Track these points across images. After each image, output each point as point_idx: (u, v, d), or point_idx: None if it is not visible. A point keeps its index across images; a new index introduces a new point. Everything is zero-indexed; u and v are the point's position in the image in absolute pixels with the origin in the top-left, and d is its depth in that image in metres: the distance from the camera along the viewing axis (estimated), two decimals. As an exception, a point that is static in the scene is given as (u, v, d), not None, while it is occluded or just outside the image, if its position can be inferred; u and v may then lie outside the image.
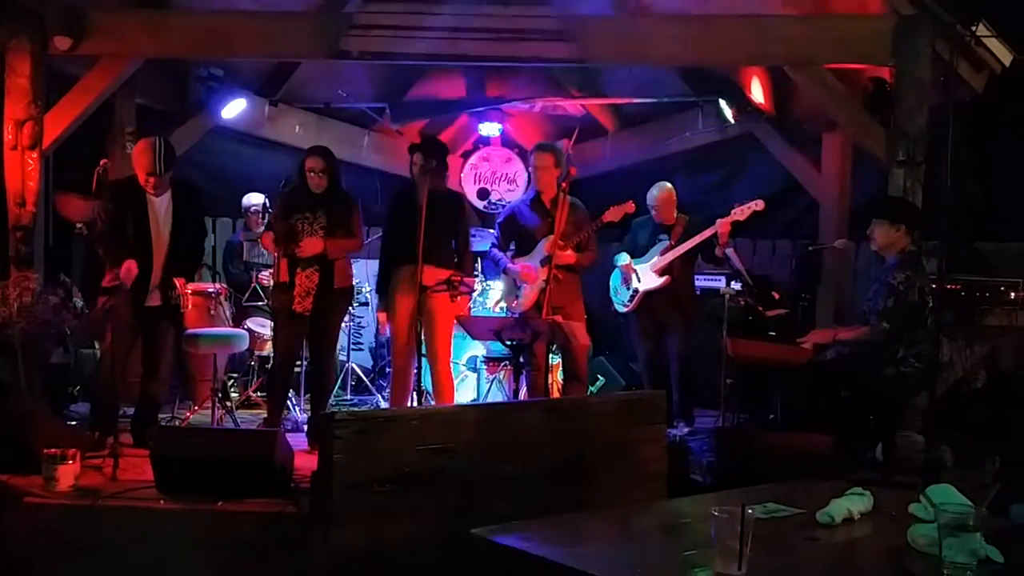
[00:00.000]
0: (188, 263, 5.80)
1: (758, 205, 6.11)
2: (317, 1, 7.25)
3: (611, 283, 6.59)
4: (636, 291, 6.38)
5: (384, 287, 5.77)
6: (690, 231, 6.34)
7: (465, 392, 6.81)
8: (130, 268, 5.32)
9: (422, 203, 5.27)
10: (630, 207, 5.91)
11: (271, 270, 6.37)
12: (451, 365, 6.06)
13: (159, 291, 5.53)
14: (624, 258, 6.42)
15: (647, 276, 6.37)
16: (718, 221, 6.13)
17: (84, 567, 4.23)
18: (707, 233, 6.18)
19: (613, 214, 5.87)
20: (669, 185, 6.56)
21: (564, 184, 5.63)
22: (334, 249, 5.69)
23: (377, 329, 7.73)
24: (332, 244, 5.68)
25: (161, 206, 5.55)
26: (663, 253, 6.37)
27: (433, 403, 5.81)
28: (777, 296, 6.75)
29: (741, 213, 6.10)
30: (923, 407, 5.45)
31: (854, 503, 2.76)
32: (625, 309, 6.49)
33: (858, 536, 2.68)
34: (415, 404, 5.60)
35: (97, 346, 6.59)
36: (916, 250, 5.40)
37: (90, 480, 4.67)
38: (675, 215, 6.51)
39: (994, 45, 6.08)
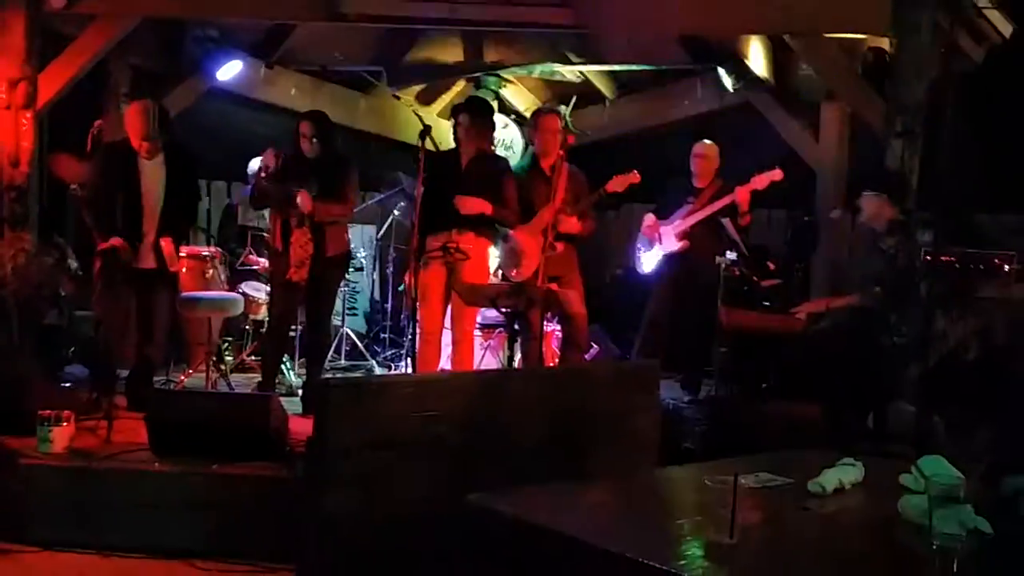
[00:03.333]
0: (181, 226, 5.78)
1: (776, 175, 6.08)
2: (314, -38, 7.15)
3: (637, 242, 6.64)
4: (657, 252, 6.41)
5: (420, 253, 5.59)
6: (717, 197, 6.31)
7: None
8: (115, 246, 5.33)
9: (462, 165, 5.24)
10: (635, 177, 5.83)
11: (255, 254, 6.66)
12: (473, 334, 6.05)
13: (153, 254, 5.52)
14: (649, 218, 6.45)
15: (668, 239, 6.40)
16: (736, 189, 6.11)
17: (78, 528, 4.25)
18: (726, 200, 6.16)
19: (617, 184, 5.79)
20: (713, 145, 6.53)
21: (562, 151, 5.59)
22: (321, 211, 5.65)
23: (391, 291, 7.71)
24: (321, 207, 5.64)
25: (153, 169, 5.53)
26: (685, 217, 6.37)
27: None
28: (772, 266, 6.74)
29: (760, 182, 6.08)
30: (915, 378, 5.48)
31: (845, 474, 2.78)
32: (647, 269, 6.54)
33: (848, 506, 2.70)
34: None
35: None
36: (905, 219, 5.41)
37: (85, 442, 4.68)
38: (712, 179, 6.47)
39: (994, 16, 6.05)
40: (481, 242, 5.64)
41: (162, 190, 5.54)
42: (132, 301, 5.58)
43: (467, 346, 5.83)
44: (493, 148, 5.99)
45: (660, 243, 6.41)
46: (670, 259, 6.42)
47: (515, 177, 5.94)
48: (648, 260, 6.55)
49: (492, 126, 5.93)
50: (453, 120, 5.78)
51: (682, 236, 6.35)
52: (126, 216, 5.47)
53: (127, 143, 5.48)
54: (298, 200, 5.55)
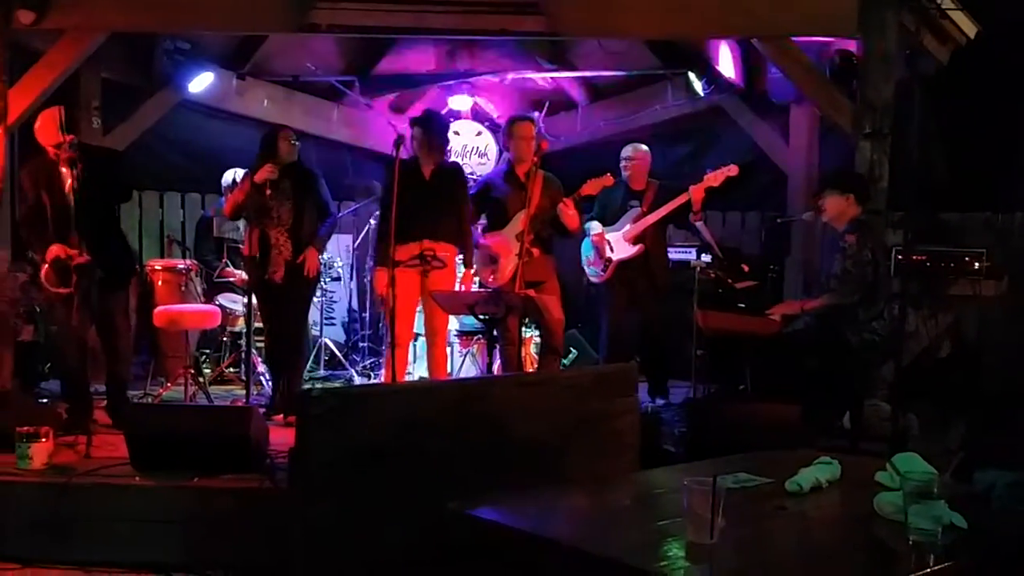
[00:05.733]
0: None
1: (731, 171, 6.10)
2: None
3: (582, 253, 6.59)
4: (610, 260, 6.37)
5: (384, 262, 5.59)
6: (662, 197, 6.32)
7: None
8: (56, 253, 5.21)
9: (394, 179, 5.28)
10: (608, 180, 5.91)
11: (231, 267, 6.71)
12: (446, 341, 6.10)
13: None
14: (596, 227, 6.41)
15: (620, 245, 6.36)
16: (691, 187, 6.14)
17: (58, 544, 4.23)
18: (681, 199, 6.17)
19: (592, 187, 5.87)
20: (644, 147, 6.55)
21: (536, 158, 5.63)
22: (321, 247, 5.95)
23: (369, 301, 7.74)
24: (318, 245, 5.87)
25: (72, 176, 5.25)
26: (635, 220, 6.37)
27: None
28: (746, 268, 6.80)
29: (715, 179, 6.10)
30: (889, 376, 5.55)
31: (822, 472, 2.82)
32: (599, 280, 6.49)
33: (826, 504, 2.74)
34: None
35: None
36: (865, 219, 5.50)
37: (64, 458, 4.67)
38: (647, 180, 6.51)
39: (959, 17, 6.14)
40: (454, 250, 5.73)
41: (83, 196, 5.25)
42: (76, 312, 5.30)
43: (440, 352, 5.86)
44: (448, 157, 6.11)
45: (612, 251, 6.37)
46: (624, 265, 6.39)
47: (489, 183, 6.02)
48: (599, 270, 6.46)
49: (446, 139, 6.05)
50: (411, 131, 5.83)
51: (636, 240, 6.36)
52: (57, 228, 5.28)
53: (45, 154, 5.32)
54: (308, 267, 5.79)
